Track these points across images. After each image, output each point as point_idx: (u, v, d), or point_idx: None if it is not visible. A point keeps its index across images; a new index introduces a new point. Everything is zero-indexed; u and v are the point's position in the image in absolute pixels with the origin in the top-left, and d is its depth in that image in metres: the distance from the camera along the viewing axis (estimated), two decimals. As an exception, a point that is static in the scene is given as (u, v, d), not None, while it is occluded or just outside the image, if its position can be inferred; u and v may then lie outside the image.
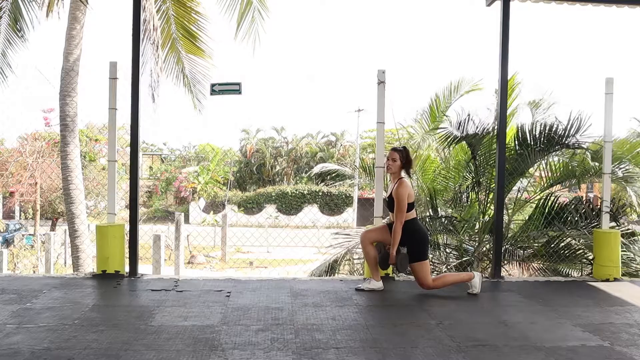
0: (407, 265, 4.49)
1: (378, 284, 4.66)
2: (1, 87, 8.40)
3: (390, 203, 4.52)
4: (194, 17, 9.42)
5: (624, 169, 6.91)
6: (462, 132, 6.39)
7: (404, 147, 4.61)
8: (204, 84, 10.04)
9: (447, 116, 6.68)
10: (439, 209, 7.19)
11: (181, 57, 9.83)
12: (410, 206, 4.47)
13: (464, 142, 6.65)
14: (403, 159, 4.54)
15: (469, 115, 6.43)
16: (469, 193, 7.08)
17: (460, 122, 6.41)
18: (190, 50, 9.74)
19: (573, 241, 6.24)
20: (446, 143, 6.53)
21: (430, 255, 6.63)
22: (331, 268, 7.60)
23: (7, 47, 8.29)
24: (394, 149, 4.60)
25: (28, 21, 7.94)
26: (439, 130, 6.89)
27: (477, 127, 6.42)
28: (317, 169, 9.78)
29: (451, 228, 6.65)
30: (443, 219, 6.76)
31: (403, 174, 4.57)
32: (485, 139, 6.44)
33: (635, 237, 6.53)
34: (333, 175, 8.67)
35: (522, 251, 6.55)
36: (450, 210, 7.33)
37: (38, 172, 18.77)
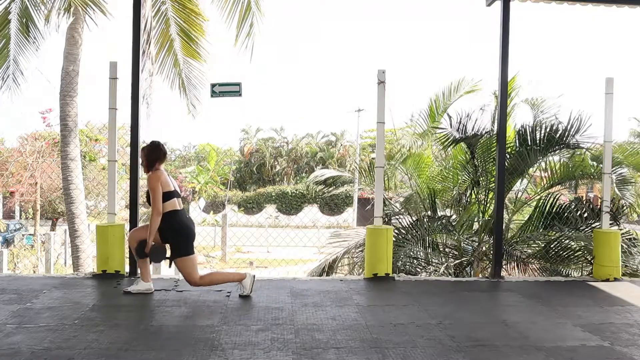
0: (160, 257, 4.35)
1: (147, 285, 4.47)
2: (15, 95, 8.31)
3: (148, 197, 4.40)
4: (193, 20, 9.38)
5: (619, 174, 6.94)
6: (461, 132, 6.39)
7: (148, 145, 4.48)
8: (199, 89, 9.98)
9: (449, 116, 6.68)
10: (437, 209, 7.19)
11: (178, 60, 9.77)
12: (168, 196, 4.29)
13: (462, 143, 6.65)
14: (146, 156, 4.42)
15: (468, 115, 6.43)
16: (467, 193, 7.08)
17: (460, 122, 6.41)
18: (188, 54, 9.69)
19: (573, 243, 6.23)
20: (446, 144, 6.53)
21: (423, 255, 6.60)
22: (330, 268, 7.59)
23: (19, 54, 8.23)
24: (142, 149, 4.54)
25: (41, 28, 7.91)
26: (438, 131, 6.89)
27: (476, 128, 6.42)
28: (313, 176, 9.57)
29: (450, 228, 6.65)
30: (442, 220, 6.75)
31: (159, 166, 4.44)
32: (484, 139, 6.44)
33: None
34: (331, 181, 8.56)
35: (520, 252, 6.54)
36: (450, 210, 7.33)
37: (38, 172, 18.73)
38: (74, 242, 9.35)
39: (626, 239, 6.35)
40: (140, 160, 4.59)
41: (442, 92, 7.87)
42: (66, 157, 9.19)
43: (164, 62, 9.69)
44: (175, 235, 4.30)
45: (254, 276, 4.54)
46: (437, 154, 8.45)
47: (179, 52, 9.64)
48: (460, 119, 6.43)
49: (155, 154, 4.42)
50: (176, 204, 4.36)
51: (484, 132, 6.44)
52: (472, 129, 6.42)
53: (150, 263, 4.54)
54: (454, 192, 7.24)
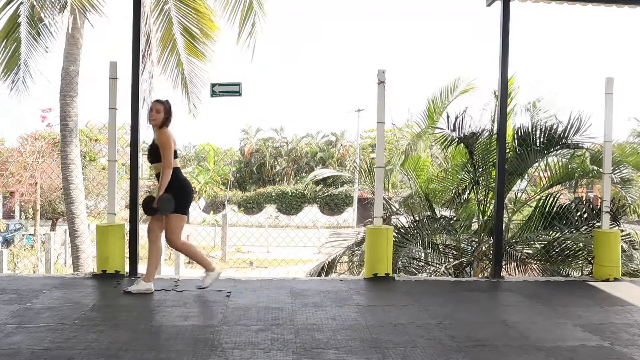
0: (169, 206, 4.33)
1: (147, 285, 4.46)
2: (23, 97, 8.29)
3: (153, 152, 4.45)
4: (196, 19, 9.36)
5: (620, 173, 6.93)
6: (459, 133, 6.39)
7: (167, 100, 4.55)
8: (200, 88, 9.97)
9: (447, 116, 6.68)
10: (436, 209, 7.18)
11: (181, 60, 9.75)
12: (174, 154, 4.43)
13: (461, 143, 6.64)
14: (166, 111, 4.49)
15: (466, 115, 6.43)
16: (467, 193, 7.08)
17: (458, 123, 6.40)
18: (191, 53, 9.67)
19: (572, 243, 6.23)
20: (444, 144, 6.53)
21: (423, 255, 6.59)
22: (329, 267, 7.59)
23: (29, 57, 8.21)
24: (158, 101, 4.54)
25: (53, 30, 7.91)
26: (436, 131, 6.88)
27: (474, 128, 6.42)
28: (312, 175, 9.61)
29: (450, 228, 6.65)
30: (442, 220, 6.75)
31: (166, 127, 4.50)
32: (483, 139, 6.44)
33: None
34: (331, 181, 8.57)
35: (520, 252, 6.54)
36: (449, 210, 7.33)
37: (38, 172, 18.73)
38: (74, 242, 9.35)
39: (627, 241, 6.35)
40: (149, 115, 4.51)
41: (439, 92, 7.86)
42: (66, 157, 9.18)
43: (167, 62, 9.69)
44: (180, 190, 4.42)
45: (220, 273, 4.67)
46: (436, 154, 8.45)
47: (182, 52, 9.63)
48: (457, 118, 6.42)
49: (171, 114, 4.54)
50: (178, 162, 4.55)
51: (482, 132, 6.43)
52: (470, 129, 6.42)
53: (156, 214, 4.46)
54: (453, 192, 7.23)
